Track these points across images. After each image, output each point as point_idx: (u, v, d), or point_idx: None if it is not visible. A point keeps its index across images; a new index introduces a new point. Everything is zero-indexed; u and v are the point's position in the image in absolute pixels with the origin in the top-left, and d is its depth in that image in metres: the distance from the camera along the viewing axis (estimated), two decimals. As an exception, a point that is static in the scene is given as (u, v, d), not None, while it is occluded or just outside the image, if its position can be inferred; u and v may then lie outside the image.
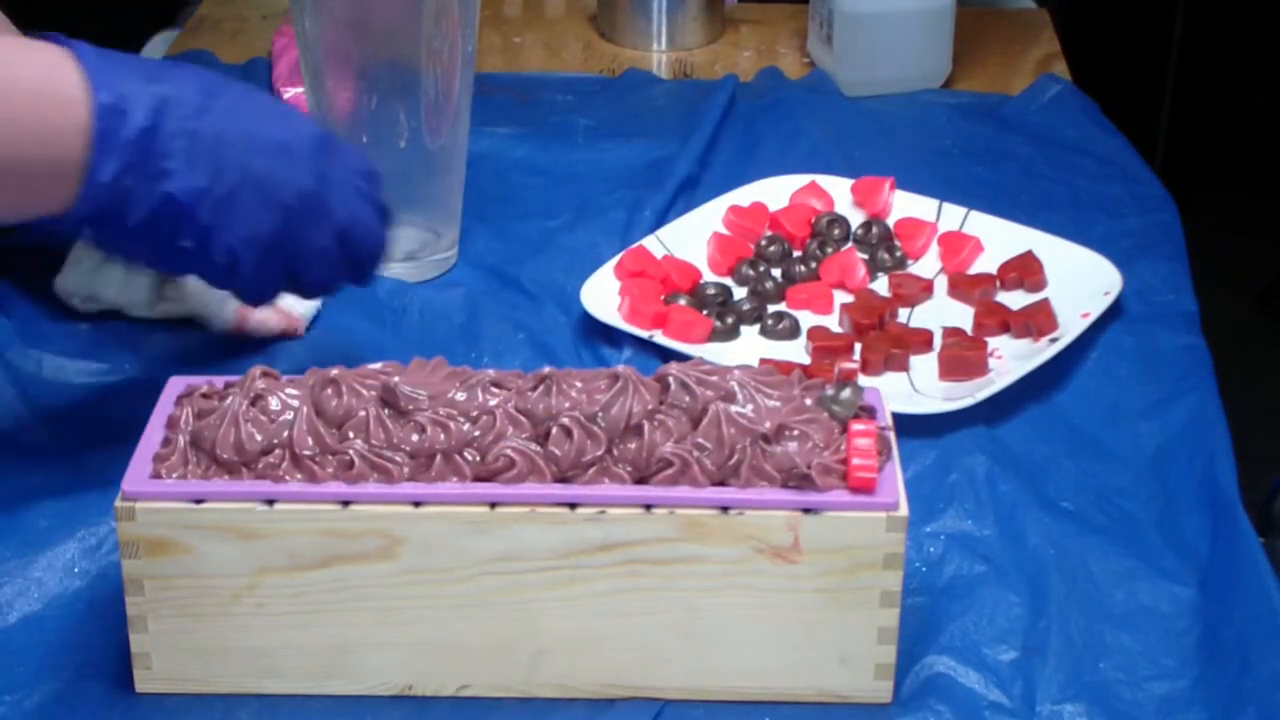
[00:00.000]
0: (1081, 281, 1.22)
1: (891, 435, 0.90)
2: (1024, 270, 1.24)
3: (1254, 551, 0.98)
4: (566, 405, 0.88)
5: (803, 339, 1.19)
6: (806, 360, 1.16)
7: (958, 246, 1.28)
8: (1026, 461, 1.08)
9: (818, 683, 0.90)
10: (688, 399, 0.88)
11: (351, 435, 0.88)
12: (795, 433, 0.87)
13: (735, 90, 1.56)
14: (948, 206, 1.31)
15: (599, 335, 1.20)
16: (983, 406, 1.10)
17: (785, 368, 1.00)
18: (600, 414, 0.87)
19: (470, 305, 1.23)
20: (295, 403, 0.88)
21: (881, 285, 1.26)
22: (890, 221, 1.31)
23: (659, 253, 1.26)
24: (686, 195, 1.39)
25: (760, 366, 0.92)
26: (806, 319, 1.21)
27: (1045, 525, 1.02)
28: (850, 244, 1.30)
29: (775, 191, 1.34)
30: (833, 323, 1.21)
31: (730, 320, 1.20)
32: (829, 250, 1.28)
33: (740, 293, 1.25)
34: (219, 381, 0.92)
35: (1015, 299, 1.23)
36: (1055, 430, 1.12)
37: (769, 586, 0.88)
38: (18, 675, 0.91)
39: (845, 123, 1.52)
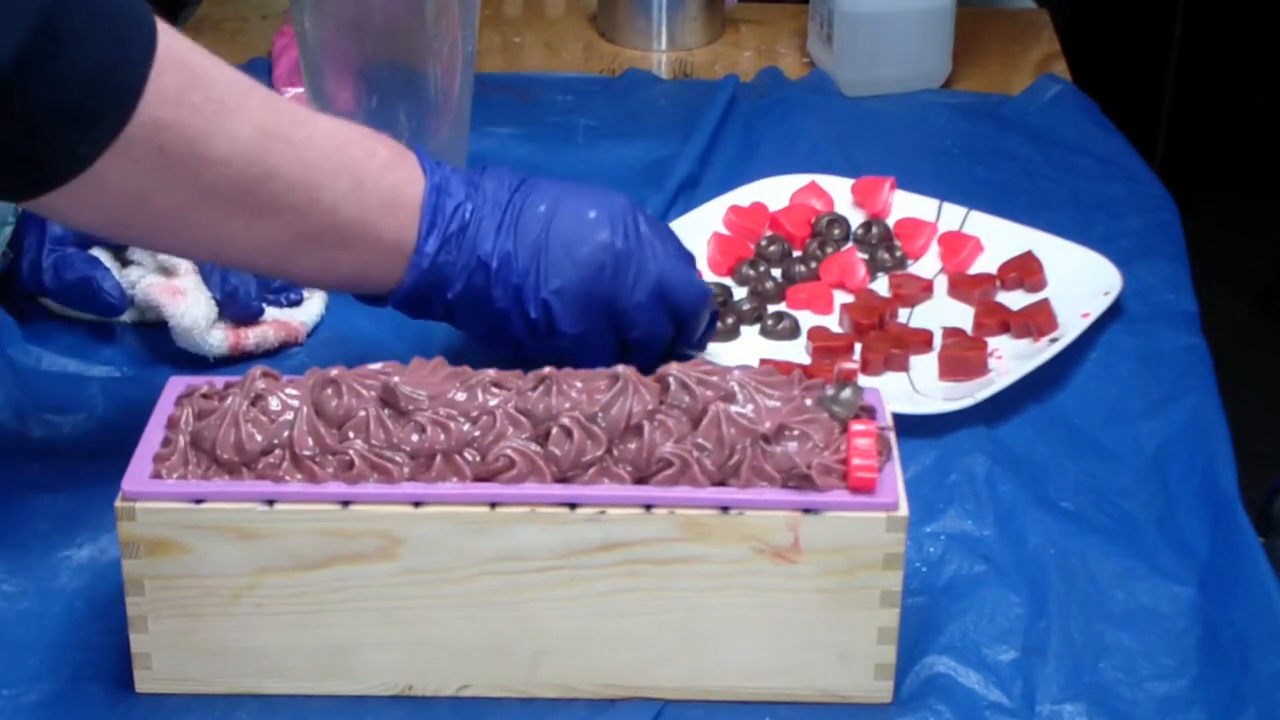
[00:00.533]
0: (1081, 281, 1.22)
1: (891, 435, 0.90)
2: (1024, 270, 1.24)
3: (1254, 551, 0.98)
4: (566, 405, 0.88)
5: (803, 339, 1.19)
6: (806, 360, 1.16)
7: (958, 246, 1.28)
8: (1026, 461, 1.08)
9: (818, 683, 0.90)
10: (688, 399, 0.88)
11: (351, 435, 0.88)
12: (795, 433, 0.87)
13: (735, 90, 1.56)
14: (948, 206, 1.31)
15: (599, 335, 1.20)
16: (983, 406, 1.10)
17: (785, 368, 1.00)
18: (600, 414, 0.87)
19: (470, 305, 1.23)
20: (295, 403, 0.88)
21: (881, 285, 1.26)
22: (890, 221, 1.31)
23: (659, 253, 1.26)
24: (686, 195, 1.39)
25: (760, 366, 0.92)
26: (806, 319, 1.21)
27: (1045, 525, 1.02)
28: (850, 244, 1.30)
29: (775, 191, 1.34)
30: (833, 323, 1.21)
31: (730, 320, 1.20)
32: (829, 250, 1.28)
33: (740, 293, 1.25)
34: (219, 381, 0.92)
35: (1015, 299, 1.23)
36: (1055, 430, 1.12)
37: (769, 587, 0.88)
38: (17, 674, 0.91)
39: (845, 123, 1.52)
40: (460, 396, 0.89)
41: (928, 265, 1.28)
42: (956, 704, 0.90)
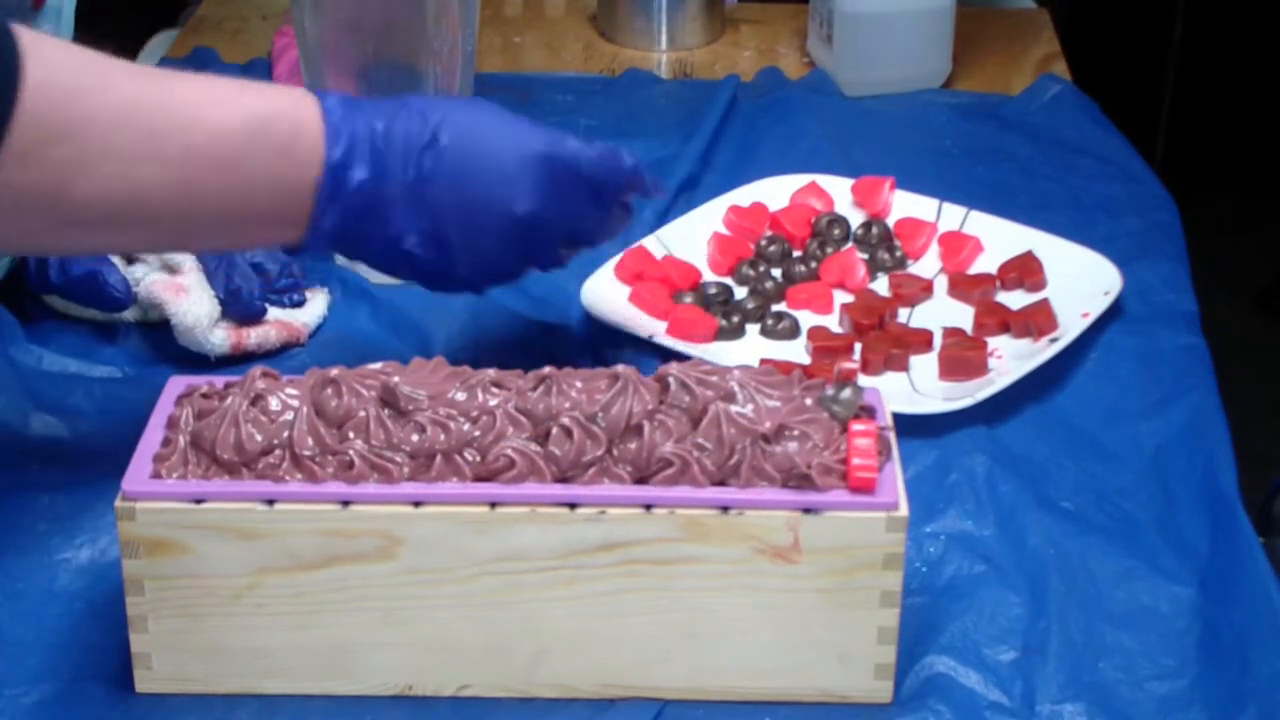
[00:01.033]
0: (1081, 281, 1.22)
1: (891, 435, 0.90)
2: (1024, 270, 1.24)
3: (1254, 551, 0.98)
4: (566, 405, 0.88)
5: (803, 339, 1.19)
6: (806, 360, 1.16)
7: (958, 246, 1.28)
8: (1026, 461, 1.08)
9: (818, 683, 0.90)
10: (688, 399, 0.88)
11: (351, 435, 0.88)
12: (795, 433, 0.87)
13: (736, 90, 1.56)
14: (948, 206, 1.31)
15: (599, 335, 1.20)
16: (983, 406, 1.10)
17: (785, 368, 1.00)
18: (600, 414, 0.87)
19: (470, 306, 1.23)
20: (295, 403, 0.88)
21: (881, 285, 1.26)
22: (890, 221, 1.31)
23: (659, 253, 1.26)
24: (687, 195, 1.39)
25: (760, 366, 0.92)
26: (806, 319, 1.21)
27: (1045, 525, 1.02)
28: (850, 244, 1.30)
29: (775, 191, 1.34)
30: (833, 323, 1.21)
31: (735, 319, 1.20)
32: (829, 250, 1.28)
33: (741, 293, 1.25)
34: (219, 381, 0.92)
35: (1015, 299, 1.23)
36: (1055, 430, 1.12)
37: (769, 586, 0.87)
38: (17, 674, 0.91)
39: (845, 123, 1.52)
40: (460, 396, 0.89)
41: (928, 265, 1.28)
42: (956, 704, 0.90)
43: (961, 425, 1.10)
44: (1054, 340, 1.16)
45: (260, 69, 1.60)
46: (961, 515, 1.03)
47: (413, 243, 1.00)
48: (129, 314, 1.19)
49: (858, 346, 1.17)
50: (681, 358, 1.08)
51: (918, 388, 1.14)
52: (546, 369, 0.90)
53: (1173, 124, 2.87)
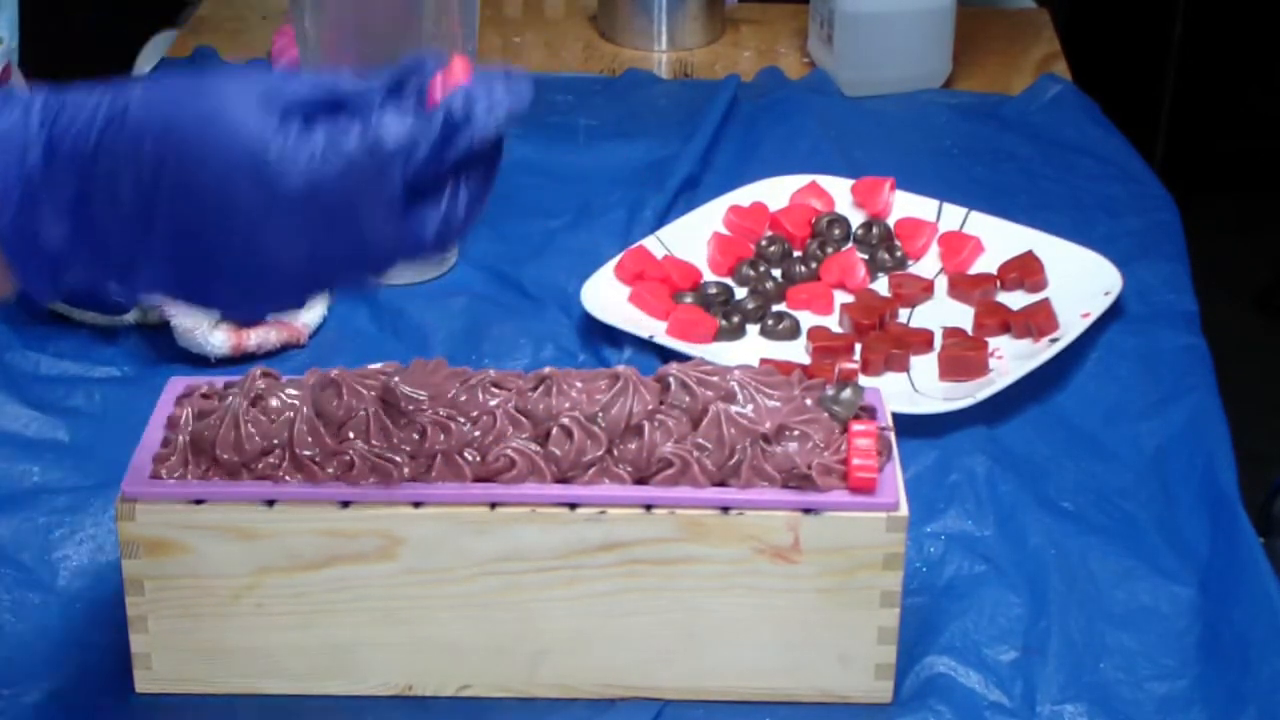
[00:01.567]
0: (1081, 281, 1.22)
1: (891, 435, 0.90)
2: (1024, 270, 1.24)
3: (1254, 551, 0.98)
4: (566, 405, 0.88)
5: (803, 339, 1.19)
6: (807, 360, 1.16)
7: (958, 246, 1.28)
8: (1026, 461, 1.08)
9: (818, 683, 0.90)
10: (688, 399, 0.88)
11: (351, 435, 0.87)
12: (795, 433, 0.87)
13: (736, 90, 1.56)
14: (948, 206, 1.31)
15: (599, 335, 1.20)
16: (983, 406, 1.10)
17: (785, 368, 1.00)
18: (600, 414, 0.87)
19: (470, 306, 1.23)
20: (295, 403, 0.88)
21: (882, 285, 1.26)
22: (890, 221, 1.31)
23: (659, 253, 1.26)
24: (687, 195, 1.39)
25: (760, 367, 0.92)
26: (807, 319, 1.21)
27: (1045, 525, 1.02)
28: (850, 244, 1.30)
29: (775, 191, 1.34)
30: (833, 323, 1.21)
31: (735, 319, 1.20)
32: (829, 250, 1.28)
33: (741, 293, 1.25)
34: (219, 381, 0.92)
35: (1015, 299, 1.23)
36: (1055, 430, 1.12)
37: (769, 587, 0.87)
38: (17, 674, 0.91)
39: (845, 123, 1.52)
40: (460, 397, 0.89)
41: (928, 265, 1.28)
42: (956, 704, 0.90)
43: (961, 425, 1.10)
44: (1054, 340, 1.16)
45: (260, 69, 1.60)
46: (961, 515, 1.03)
47: (153, 281, 0.74)
48: (129, 315, 1.19)
49: (858, 346, 1.17)
50: (681, 358, 1.08)
51: (918, 388, 1.14)
52: (546, 369, 0.90)
53: (1173, 124, 2.87)
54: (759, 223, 1.31)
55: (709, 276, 1.26)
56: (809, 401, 0.89)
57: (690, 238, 1.29)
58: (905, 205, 1.32)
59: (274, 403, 0.88)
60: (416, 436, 0.87)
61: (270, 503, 0.86)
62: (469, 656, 0.90)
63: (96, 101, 0.72)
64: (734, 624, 0.88)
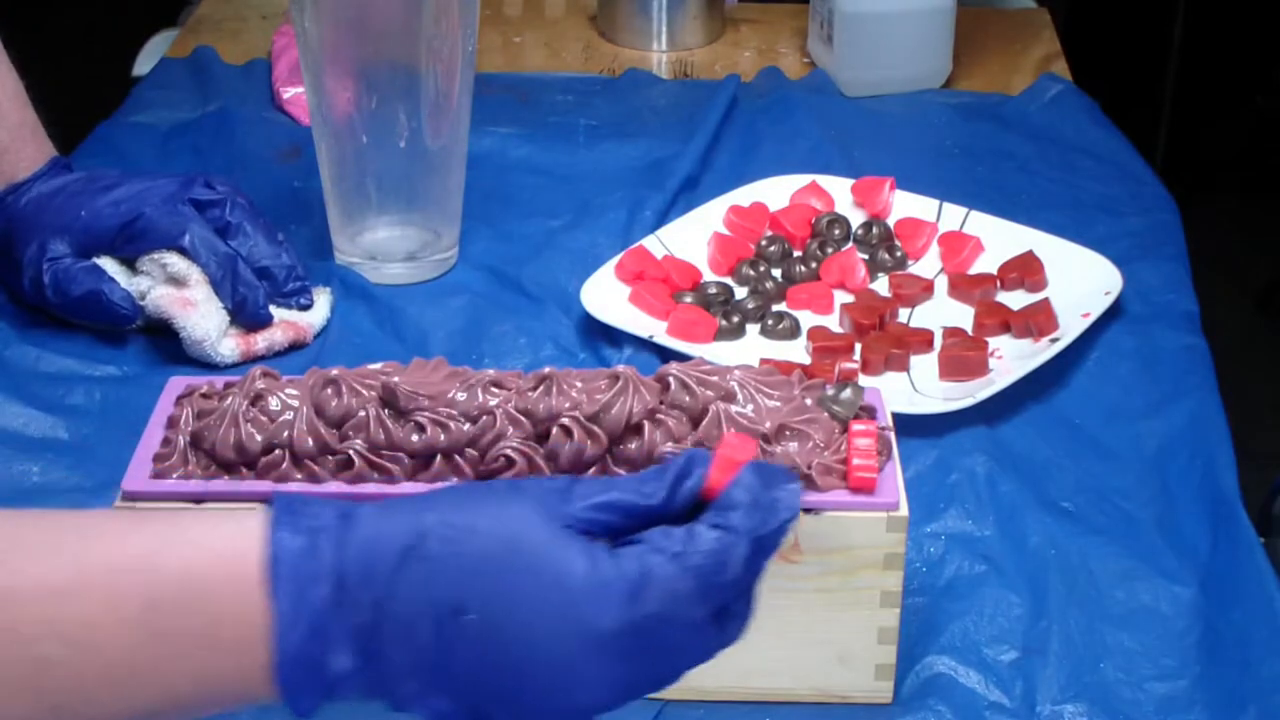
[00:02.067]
0: (1081, 281, 1.22)
1: (892, 435, 0.90)
2: (1024, 270, 1.24)
3: (1254, 551, 0.98)
4: (566, 405, 0.88)
5: (803, 339, 1.19)
6: (807, 360, 1.16)
7: (958, 246, 1.28)
8: (1026, 461, 1.08)
9: (818, 683, 0.90)
10: (688, 399, 0.88)
11: (351, 435, 0.87)
12: (795, 433, 0.87)
13: (736, 90, 1.56)
14: (948, 206, 1.31)
15: (599, 335, 1.20)
16: (983, 406, 1.10)
17: (785, 368, 1.00)
18: (600, 414, 0.87)
19: (470, 305, 1.23)
20: (295, 403, 0.88)
21: (882, 285, 1.26)
22: (890, 221, 1.31)
23: (659, 253, 1.26)
24: (687, 195, 1.39)
25: (760, 367, 0.92)
26: (807, 319, 1.21)
27: (1045, 525, 1.02)
28: (850, 244, 1.30)
29: (775, 191, 1.34)
30: (833, 323, 1.21)
31: (735, 319, 1.20)
32: (829, 250, 1.28)
33: (741, 293, 1.25)
34: (219, 381, 0.92)
35: (1015, 299, 1.23)
36: (1055, 430, 1.12)
37: (769, 586, 0.87)
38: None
39: (845, 123, 1.52)
40: (460, 396, 0.89)
41: (928, 265, 1.28)
42: (956, 704, 0.90)
43: (961, 425, 1.10)
44: (1054, 340, 1.16)
45: (260, 69, 1.60)
46: (962, 515, 1.03)
47: (441, 711, 0.71)
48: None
49: (858, 346, 1.17)
50: (682, 358, 1.08)
51: (918, 388, 1.14)
52: (546, 369, 0.90)
53: (1173, 124, 2.87)
54: (759, 223, 1.31)
55: (709, 276, 1.26)
56: (809, 401, 0.89)
57: (690, 238, 1.29)
58: (905, 205, 1.32)
59: (274, 403, 0.88)
60: (416, 436, 0.87)
61: (270, 502, 0.86)
62: (469, 656, 0.89)
63: (390, 531, 0.69)
64: (734, 624, 0.88)
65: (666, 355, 1.15)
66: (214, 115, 1.50)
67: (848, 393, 0.89)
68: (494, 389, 0.89)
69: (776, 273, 1.27)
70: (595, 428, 0.87)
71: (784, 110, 1.52)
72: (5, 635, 0.65)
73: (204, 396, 0.90)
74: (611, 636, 0.69)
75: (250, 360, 1.16)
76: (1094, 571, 0.99)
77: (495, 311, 1.23)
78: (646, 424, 0.87)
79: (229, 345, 1.16)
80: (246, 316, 1.17)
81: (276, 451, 0.87)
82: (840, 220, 1.31)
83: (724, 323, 1.19)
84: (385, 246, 1.26)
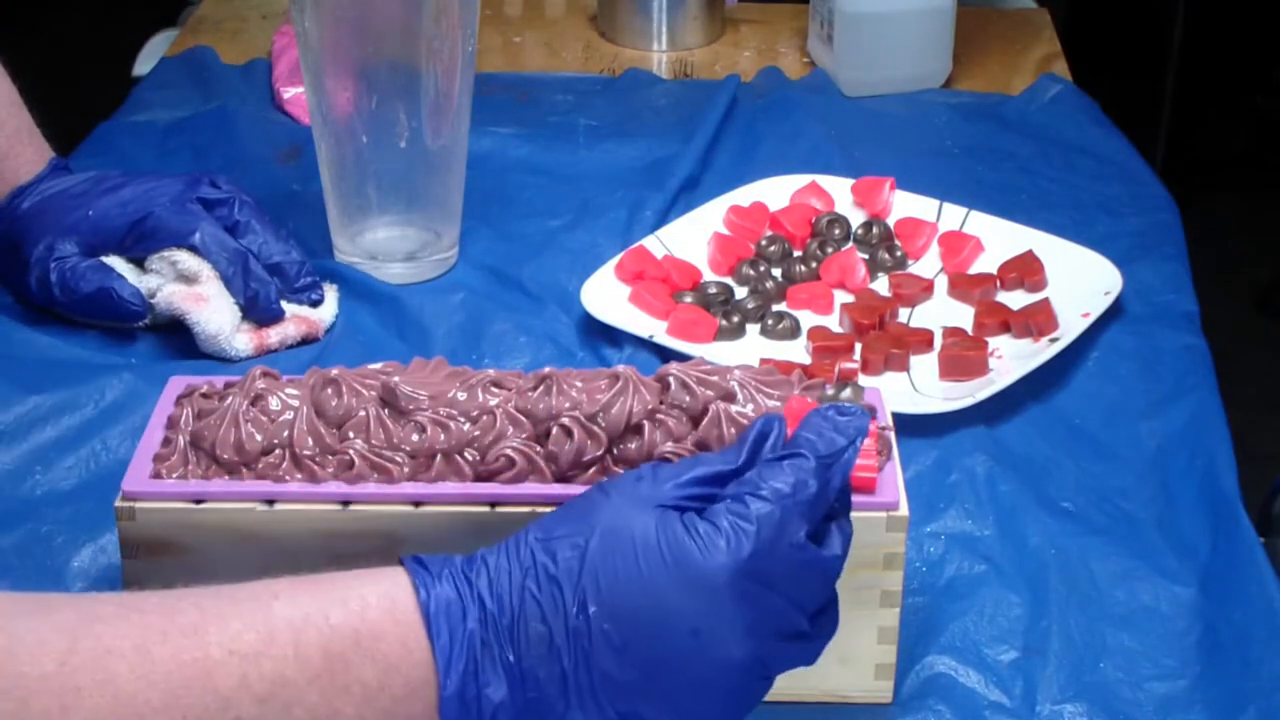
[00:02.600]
0: (1081, 281, 1.22)
1: (892, 435, 0.90)
2: (1024, 270, 1.24)
3: (1254, 551, 0.98)
4: (566, 405, 0.88)
5: (803, 339, 1.19)
6: (807, 360, 1.16)
7: (958, 246, 1.28)
8: (1026, 461, 1.08)
9: (818, 683, 0.90)
10: (688, 399, 0.88)
11: (351, 435, 0.87)
12: (795, 433, 0.87)
13: (736, 90, 1.56)
14: (948, 206, 1.31)
15: (599, 335, 1.20)
16: (983, 406, 1.10)
17: (785, 368, 1.00)
18: (600, 414, 0.87)
19: (470, 305, 1.23)
20: (295, 403, 0.88)
21: (882, 285, 1.26)
22: (890, 221, 1.31)
23: (659, 253, 1.26)
24: (687, 195, 1.39)
25: (760, 367, 0.92)
26: (807, 319, 1.21)
27: (1045, 525, 1.02)
28: (850, 244, 1.30)
29: (775, 191, 1.34)
30: (833, 323, 1.21)
31: (736, 319, 1.20)
32: (829, 250, 1.28)
33: (741, 292, 1.25)
34: (219, 381, 0.92)
35: (1015, 299, 1.23)
36: (1055, 430, 1.12)
37: (769, 586, 0.87)
38: (18, 675, 0.91)
39: (845, 123, 1.52)
40: (460, 396, 0.89)
41: (928, 265, 1.28)
42: (956, 704, 0.90)
43: (961, 425, 1.10)
44: (1054, 340, 1.16)
45: (260, 69, 1.60)
46: (961, 515, 1.03)
47: None
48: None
49: (858, 346, 1.17)
50: (682, 357, 1.08)
51: (918, 388, 1.14)
52: (546, 369, 0.90)
53: (1173, 124, 2.87)
54: (759, 223, 1.31)
55: (709, 276, 1.26)
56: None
57: (690, 238, 1.29)
58: (905, 205, 1.32)
59: (274, 403, 0.88)
60: (416, 436, 0.87)
61: (270, 502, 0.86)
62: (469, 656, 0.89)
63: (508, 558, 0.75)
64: (734, 624, 0.88)
65: (666, 355, 1.15)
66: (214, 115, 1.50)
67: (848, 393, 0.89)
68: (494, 389, 0.89)
69: (776, 273, 1.27)
70: (595, 428, 0.87)
71: (784, 110, 1.52)
72: (208, 698, 0.69)
73: (204, 396, 0.90)
74: (728, 584, 0.73)
75: (263, 354, 1.17)
76: (1094, 571, 0.99)
77: (495, 311, 1.23)
78: (646, 424, 0.87)
79: (242, 340, 1.16)
80: (259, 312, 1.17)
81: (276, 451, 0.87)
82: (840, 220, 1.31)
83: (724, 323, 1.19)
84: (385, 246, 1.26)
